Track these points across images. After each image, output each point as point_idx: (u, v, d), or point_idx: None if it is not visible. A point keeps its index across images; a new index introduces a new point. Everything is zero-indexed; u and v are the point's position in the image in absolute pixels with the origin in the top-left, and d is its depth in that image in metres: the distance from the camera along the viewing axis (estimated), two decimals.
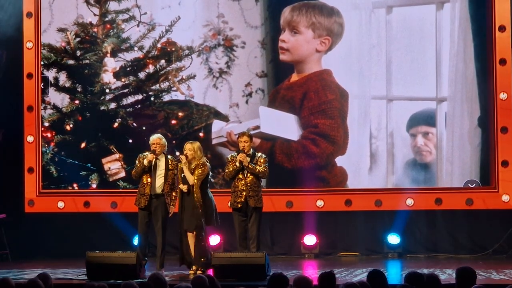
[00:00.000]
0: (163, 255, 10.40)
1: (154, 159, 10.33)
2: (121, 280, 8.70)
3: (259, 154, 10.52)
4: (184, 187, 10.15)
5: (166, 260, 10.47)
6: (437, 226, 12.63)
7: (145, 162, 10.36)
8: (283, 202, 12.59)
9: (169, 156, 10.52)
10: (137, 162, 10.51)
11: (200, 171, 10.10)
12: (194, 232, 10.11)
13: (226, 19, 12.90)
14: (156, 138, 10.47)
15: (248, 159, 10.32)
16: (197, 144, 10.28)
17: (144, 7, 13.04)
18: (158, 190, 10.34)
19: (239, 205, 10.36)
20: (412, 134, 12.60)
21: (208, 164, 10.26)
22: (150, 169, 10.38)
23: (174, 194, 10.39)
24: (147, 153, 10.47)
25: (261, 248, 10.58)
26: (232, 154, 10.60)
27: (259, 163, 10.38)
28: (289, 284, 6.43)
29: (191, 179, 10.09)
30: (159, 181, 10.37)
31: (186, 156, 10.11)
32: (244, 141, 10.37)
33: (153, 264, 10.59)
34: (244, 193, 10.33)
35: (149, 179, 10.39)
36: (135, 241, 10.95)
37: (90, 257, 9.82)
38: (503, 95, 12.33)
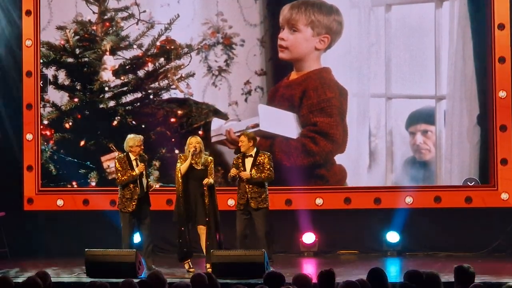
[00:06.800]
0: (151, 247, 10.43)
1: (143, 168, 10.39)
2: (120, 278, 8.69)
3: (264, 154, 10.59)
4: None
5: (165, 258, 10.50)
6: (436, 224, 12.60)
7: (137, 172, 10.36)
8: (282, 200, 12.57)
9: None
10: (118, 165, 10.48)
11: (213, 169, 10.35)
12: (206, 227, 10.24)
13: (225, 17, 12.89)
14: (139, 140, 10.49)
15: (249, 173, 10.37)
16: (198, 137, 10.54)
17: (143, 5, 13.03)
18: (145, 189, 10.44)
19: (241, 207, 10.49)
20: (411, 132, 12.60)
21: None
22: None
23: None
24: (120, 155, 10.52)
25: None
26: (237, 156, 10.73)
27: (262, 167, 10.43)
28: (285, 282, 6.43)
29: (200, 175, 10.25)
30: (145, 180, 10.45)
31: (195, 149, 10.21)
32: (241, 141, 10.54)
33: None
34: (247, 195, 10.42)
35: (136, 183, 10.41)
36: (135, 239, 10.94)
37: (89, 255, 9.82)
38: (502, 93, 12.32)
